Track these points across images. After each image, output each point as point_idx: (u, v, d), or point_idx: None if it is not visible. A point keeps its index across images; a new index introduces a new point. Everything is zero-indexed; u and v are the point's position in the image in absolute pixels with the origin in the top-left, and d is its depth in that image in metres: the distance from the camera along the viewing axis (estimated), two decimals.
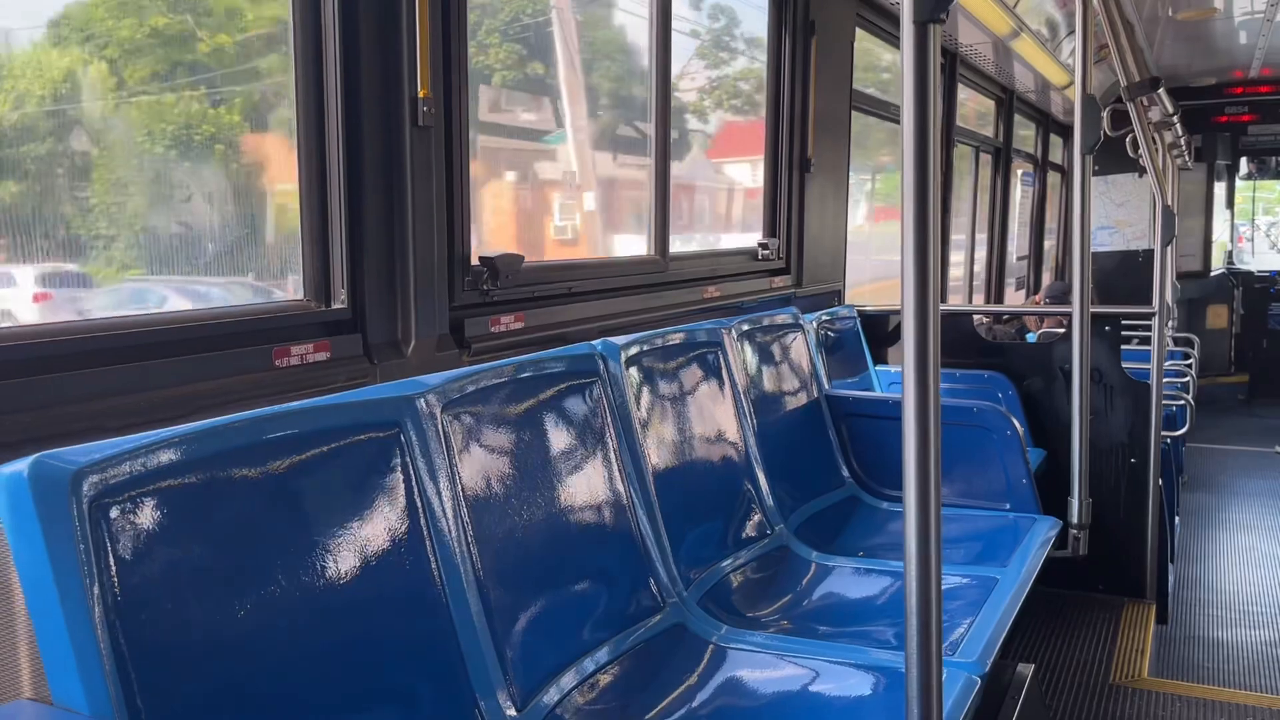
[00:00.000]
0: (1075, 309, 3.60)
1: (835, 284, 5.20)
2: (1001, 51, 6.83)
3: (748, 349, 3.63)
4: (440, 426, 2.16)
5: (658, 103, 3.79)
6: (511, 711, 2.07)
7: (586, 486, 2.56)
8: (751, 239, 4.66)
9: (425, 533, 2.05)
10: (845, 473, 3.93)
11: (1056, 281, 9.49)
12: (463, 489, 2.16)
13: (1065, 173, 10.32)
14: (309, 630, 1.77)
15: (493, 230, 3.45)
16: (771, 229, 4.68)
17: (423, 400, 2.14)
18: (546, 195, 3.82)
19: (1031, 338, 6.59)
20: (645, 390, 2.96)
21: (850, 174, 5.36)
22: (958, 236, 7.96)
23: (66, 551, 1.46)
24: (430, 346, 2.59)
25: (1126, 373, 4.57)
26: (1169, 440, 5.16)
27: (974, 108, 7.86)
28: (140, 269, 2.20)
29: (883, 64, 6.10)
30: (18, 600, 1.53)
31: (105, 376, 1.93)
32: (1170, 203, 4.95)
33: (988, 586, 2.89)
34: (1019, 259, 9.78)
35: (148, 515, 1.58)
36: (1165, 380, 4.71)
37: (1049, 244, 10.71)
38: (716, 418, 3.26)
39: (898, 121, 1.48)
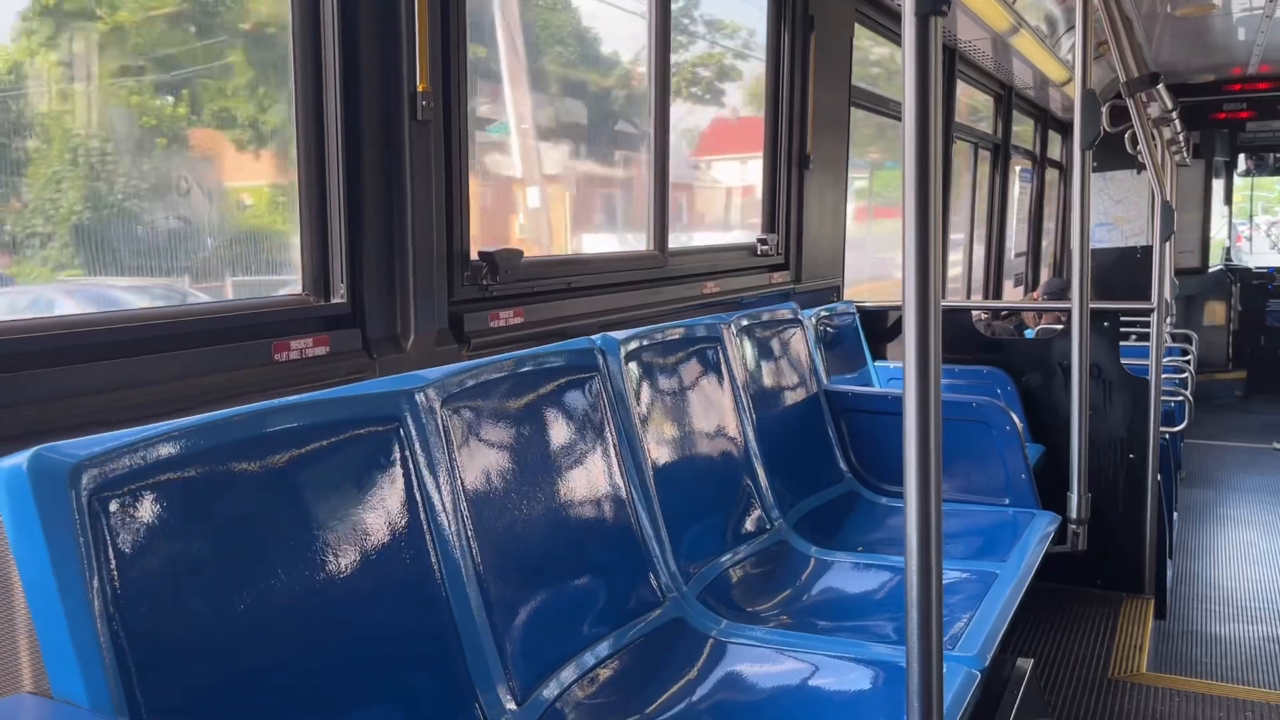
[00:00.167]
0: (1074, 305, 3.60)
1: (834, 280, 5.20)
2: (1001, 47, 6.82)
3: (747, 344, 3.63)
4: (440, 421, 2.15)
5: (656, 100, 3.78)
6: (511, 705, 2.07)
7: (586, 481, 2.56)
8: (734, 238, 4.61)
9: (425, 527, 2.05)
10: (844, 468, 3.93)
11: (1055, 278, 9.49)
12: (462, 483, 2.16)
13: (1064, 169, 10.32)
14: (308, 624, 1.77)
15: None
16: (771, 225, 4.68)
17: (422, 394, 2.14)
18: (479, 192, 3.48)
19: (1030, 334, 6.59)
20: (645, 385, 2.96)
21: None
22: (956, 236, 7.95)
23: (66, 545, 1.46)
24: (429, 341, 2.59)
25: (1125, 369, 4.57)
26: (1167, 436, 5.16)
27: (966, 102, 7.83)
28: (79, 269, 2.10)
29: (872, 58, 6.07)
30: (17, 594, 1.53)
31: (105, 371, 1.92)
32: (1169, 199, 4.95)
33: (987, 581, 2.90)
34: (1017, 255, 9.78)
35: (147, 509, 1.57)
36: (1163, 376, 4.71)
37: (1047, 241, 10.71)
38: (716, 413, 3.26)
39: (896, 117, 1.48)
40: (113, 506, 1.53)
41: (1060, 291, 7.36)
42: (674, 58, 3.92)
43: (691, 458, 3.07)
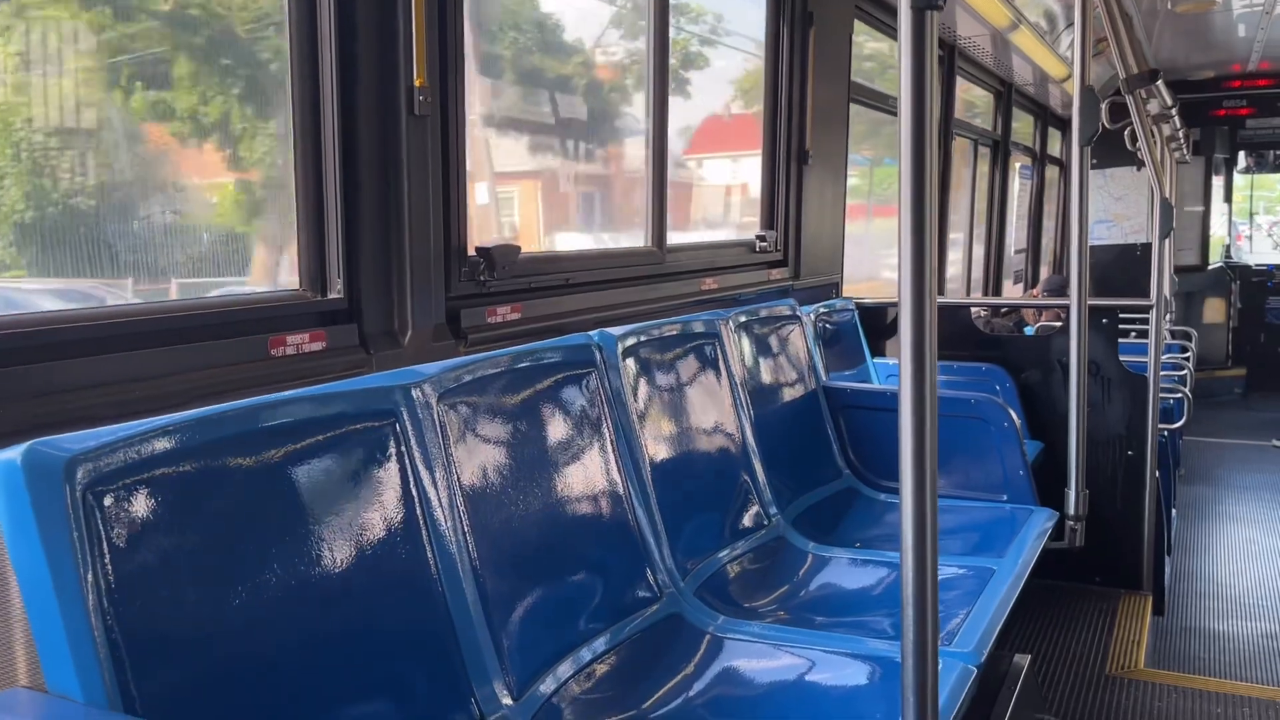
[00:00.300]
0: (1073, 302, 3.60)
1: (833, 276, 5.20)
2: (1000, 44, 6.82)
3: (745, 340, 3.63)
4: (436, 416, 2.15)
5: (654, 97, 3.77)
6: (508, 700, 2.07)
7: (583, 477, 2.56)
8: (719, 238, 4.54)
9: (421, 522, 2.05)
10: (842, 464, 3.93)
11: (1054, 275, 9.49)
12: (459, 479, 2.16)
13: (1064, 166, 10.31)
14: (304, 618, 1.77)
15: None
16: (770, 221, 4.67)
17: (419, 390, 2.14)
18: None
19: (1030, 331, 6.59)
20: (642, 381, 2.95)
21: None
22: (955, 235, 7.94)
23: (60, 539, 1.46)
24: (426, 337, 2.59)
25: (1124, 365, 4.57)
26: (1166, 433, 5.16)
27: (961, 97, 7.81)
28: (20, 270, 2.00)
29: (864, 53, 6.04)
30: (13, 588, 1.53)
31: (100, 365, 1.92)
32: (1168, 196, 4.95)
33: (984, 577, 2.90)
34: (1017, 252, 9.77)
35: (142, 503, 1.57)
36: (1162, 373, 4.71)
37: (1047, 239, 10.71)
38: (713, 409, 3.26)
39: (894, 112, 1.47)
40: (107, 501, 1.53)
41: (1060, 288, 7.35)
42: (630, 44, 3.81)
43: (689, 454, 3.07)
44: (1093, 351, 4.33)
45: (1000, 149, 8.40)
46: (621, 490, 2.66)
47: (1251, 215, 12.76)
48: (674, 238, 3.92)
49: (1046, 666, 4.00)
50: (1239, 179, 11.72)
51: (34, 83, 2.02)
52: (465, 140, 2.74)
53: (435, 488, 2.09)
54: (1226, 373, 10.82)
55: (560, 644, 2.29)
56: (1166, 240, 4.65)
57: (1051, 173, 10.36)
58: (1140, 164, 8.22)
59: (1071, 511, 3.64)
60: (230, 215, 2.48)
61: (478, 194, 3.29)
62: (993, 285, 8.57)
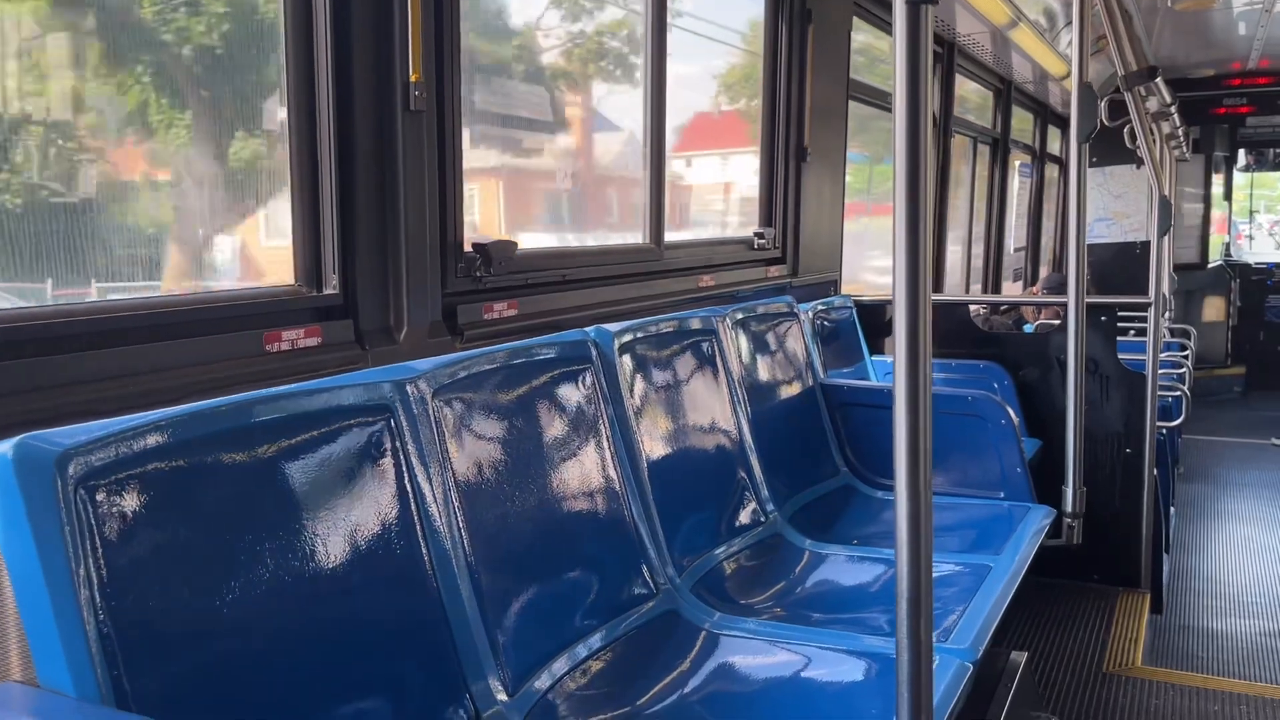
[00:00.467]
0: (1071, 299, 3.60)
1: (832, 273, 5.19)
2: (999, 41, 6.81)
3: (742, 337, 3.62)
4: (432, 412, 2.15)
5: (652, 94, 3.77)
6: (503, 696, 2.07)
7: (579, 473, 2.56)
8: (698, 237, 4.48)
9: (416, 518, 2.04)
10: (840, 462, 3.93)
11: (1054, 273, 9.48)
12: (454, 475, 2.15)
13: (1063, 164, 10.30)
14: (298, 614, 1.76)
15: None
16: (768, 218, 4.67)
17: (414, 385, 2.13)
18: None
19: (1029, 329, 6.59)
20: (639, 378, 2.95)
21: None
22: (955, 232, 7.93)
23: (51, 533, 1.45)
24: (422, 333, 2.58)
25: (1122, 363, 4.57)
26: (1164, 431, 5.16)
27: (958, 92, 7.78)
28: None
29: (855, 47, 6.00)
30: (5, 582, 1.53)
31: (94, 360, 1.92)
32: (1167, 194, 4.94)
33: (981, 574, 2.89)
34: (1016, 250, 9.77)
35: (134, 497, 1.57)
36: (1161, 371, 4.70)
37: (1046, 237, 10.70)
38: (711, 406, 3.26)
39: (891, 110, 1.47)
40: (100, 495, 1.52)
41: (1059, 286, 7.34)
42: (574, 26, 3.67)
43: (686, 450, 3.06)
44: (1091, 349, 4.33)
45: (1000, 147, 8.40)
46: (618, 487, 2.66)
47: (1252, 214, 12.76)
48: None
49: (1044, 664, 4.00)
50: (1239, 177, 11.72)
51: None
52: (461, 136, 2.74)
53: (430, 484, 2.09)
54: (1226, 371, 10.81)
55: (556, 640, 2.29)
56: (1165, 238, 4.64)
57: (1051, 171, 10.35)
58: (1139, 162, 8.23)
59: (1069, 509, 3.64)
60: (142, 211, 2.25)
61: None
62: (992, 283, 8.56)
